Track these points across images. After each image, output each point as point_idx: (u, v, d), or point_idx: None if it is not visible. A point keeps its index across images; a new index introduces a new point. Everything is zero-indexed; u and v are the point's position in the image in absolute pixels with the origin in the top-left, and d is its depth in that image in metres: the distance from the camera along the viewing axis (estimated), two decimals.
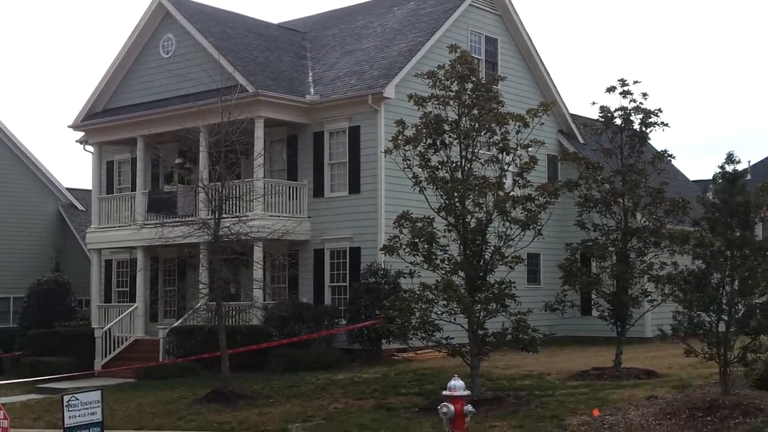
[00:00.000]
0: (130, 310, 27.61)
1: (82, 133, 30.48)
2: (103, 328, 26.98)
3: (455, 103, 17.39)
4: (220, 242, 20.03)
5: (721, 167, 14.22)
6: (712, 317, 13.42)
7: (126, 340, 26.91)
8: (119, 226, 28.38)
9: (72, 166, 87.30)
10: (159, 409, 18.51)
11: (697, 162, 61.83)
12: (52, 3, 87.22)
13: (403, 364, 22.09)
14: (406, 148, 17.37)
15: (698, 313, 13.44)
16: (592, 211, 19.74)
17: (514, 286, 16.98)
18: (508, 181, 17.55)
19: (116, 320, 27.37)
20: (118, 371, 24.32)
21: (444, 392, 11.31)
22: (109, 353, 26.49)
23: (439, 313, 16.84)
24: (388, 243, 17.67)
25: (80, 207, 38.44)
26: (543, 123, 18.99)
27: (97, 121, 29.38)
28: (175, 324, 25.64)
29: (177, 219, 25.00)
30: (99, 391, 14.29)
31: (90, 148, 30.40)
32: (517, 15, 29.29)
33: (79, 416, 13.66)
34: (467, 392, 11.33)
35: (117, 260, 30.70)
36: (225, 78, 24.68)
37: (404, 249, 17.22)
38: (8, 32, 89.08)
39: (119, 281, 30.72)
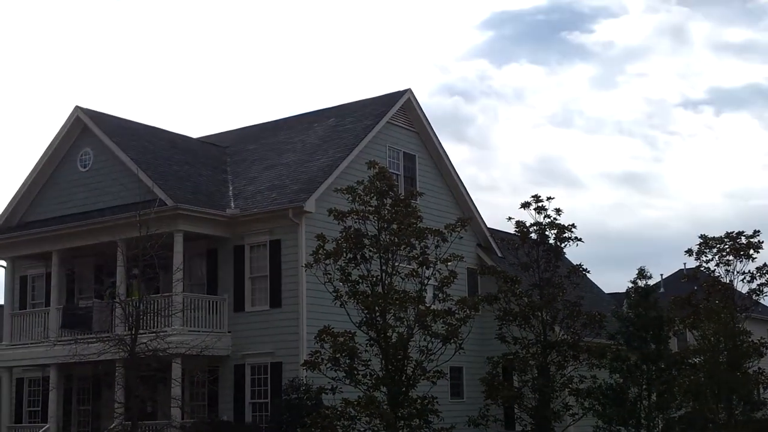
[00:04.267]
0: (41, 431, 26.48)
1: None
2: None
3: (375, 218, 17.59)
4: (136, 359, 19.54)
5: (634, 282, 14.67)
6: (632, 431, 13.59)
7: None
8: (32, 343, 27.40)
9: None
10: None
11: (611, 275, 64.16)
12: None
13: None
14: (327, 262, 17.42)
15: (618, 427, 13.61)
16: (512, 324, 20.01)
17: (437, 401, 16.95)
18: (429, 295, 17.70)
19: None
20: None
21: None
22: None
23: (362, 430, 16.63)
24: (309, 358, 17.53)
25: None
26: (461, 237, 19.33)
27: (10, 235, 28.67)
28: None
29: (92, 335, 24.31)
30: None
31: (2, 263, 29.61)
32: (434, 133, 30.07)
33: None
34: None
35: (29, 378, 29.52)
36: (144, 192, 24.55)
37: (326, 364, 17.10)
38: None
39: (30, 400, 29.41)
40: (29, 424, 28.30)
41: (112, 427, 23.54)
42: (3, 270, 29.56)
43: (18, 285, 30.17)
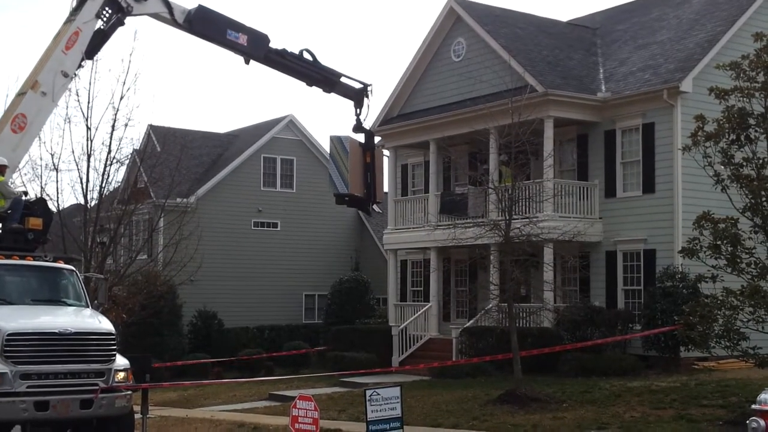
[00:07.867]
0: (424, 309, 28.46)
1: (379, 138, 31.82)
2: (399, 326, 28.16)
3: (762, 95, 16.30)
4: (510, 243, 20.08)
5: None
6: None
7: (420, 339, 27.85)
8: (413, 228, 29.27)
9: None
10: (454, 407, 18.89)
11: None
12: (350, 16, 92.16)
13: (704, 373, 20.99)
14: (707, 144, 16.54)
15: None
16: None
17: None
18: None
19: (411, 319, 28.38)
20: (414, 369, 25.15)
21: (753, 406, 10.63)
22: (405, 351, 27.63)
23: (744, 320, 15.82)
24: (687, 245, 16.93)
25: (377, 209, 40.15)
26: None
27: (392, 125, 30.53)
28: (467, 324, 26.10)
29: (468, 220, 25.38)
30: (398, 388, 14.86)
31: (386, 151, 31.64)
32: None
33: (380, 411, 14.32)
34: None
35: (411, 260, 31.66)
36: (515, 79, 24.77)
37: (705, 251, 16.40)
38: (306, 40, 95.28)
39: (414, 281, 31.64)
40: (413, 302, 30.40)
41: (488, 307, 24.62)
42: (386, 159, 31.65)
43: (400, 173, 32.27)
